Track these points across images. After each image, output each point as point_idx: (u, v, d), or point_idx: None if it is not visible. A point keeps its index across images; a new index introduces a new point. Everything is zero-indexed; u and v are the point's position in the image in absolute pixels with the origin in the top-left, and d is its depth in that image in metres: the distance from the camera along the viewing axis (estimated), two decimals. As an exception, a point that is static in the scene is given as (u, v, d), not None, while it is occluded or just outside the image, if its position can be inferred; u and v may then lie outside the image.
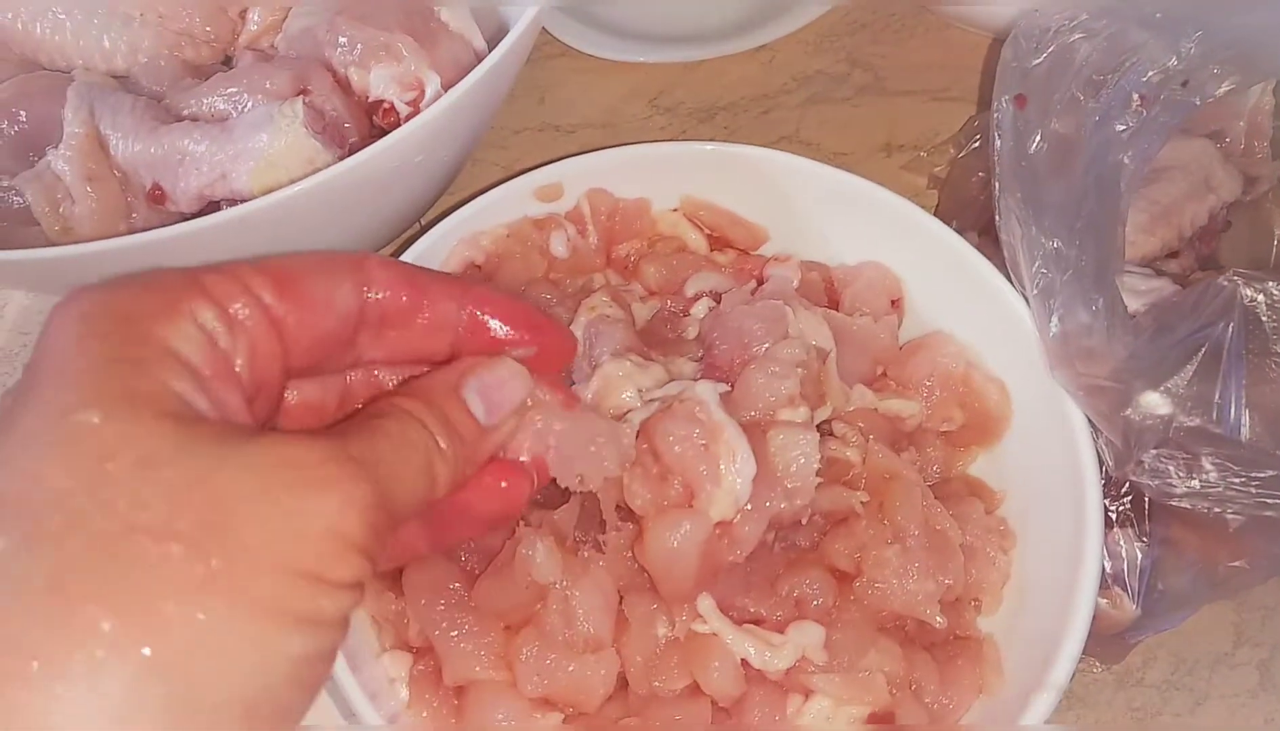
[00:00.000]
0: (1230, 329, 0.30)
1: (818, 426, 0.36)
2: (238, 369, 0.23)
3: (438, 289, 0.28)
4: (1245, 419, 0.30)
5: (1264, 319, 0.30)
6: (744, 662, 0.32)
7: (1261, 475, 0.31)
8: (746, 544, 0.32)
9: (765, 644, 0.31)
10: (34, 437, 0.20)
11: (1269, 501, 0.32)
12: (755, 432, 0.33)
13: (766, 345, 0.36)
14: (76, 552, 0.18)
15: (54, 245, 0.42)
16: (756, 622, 0.33)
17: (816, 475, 0.33)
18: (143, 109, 0.44)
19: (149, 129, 0.43)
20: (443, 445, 0.25)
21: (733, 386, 0.35)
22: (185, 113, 0.45)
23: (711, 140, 0.56)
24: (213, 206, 0.44)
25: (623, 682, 0.33)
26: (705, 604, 0.31)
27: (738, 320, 0.37)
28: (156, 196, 0.43)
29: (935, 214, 0.50)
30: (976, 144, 0.48)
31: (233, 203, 0.43)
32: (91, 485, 0.19)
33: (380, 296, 0.26)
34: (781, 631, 0.32)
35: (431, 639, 0.33)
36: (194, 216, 0.44)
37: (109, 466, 0.19)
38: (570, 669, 0.32)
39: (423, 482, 0.24)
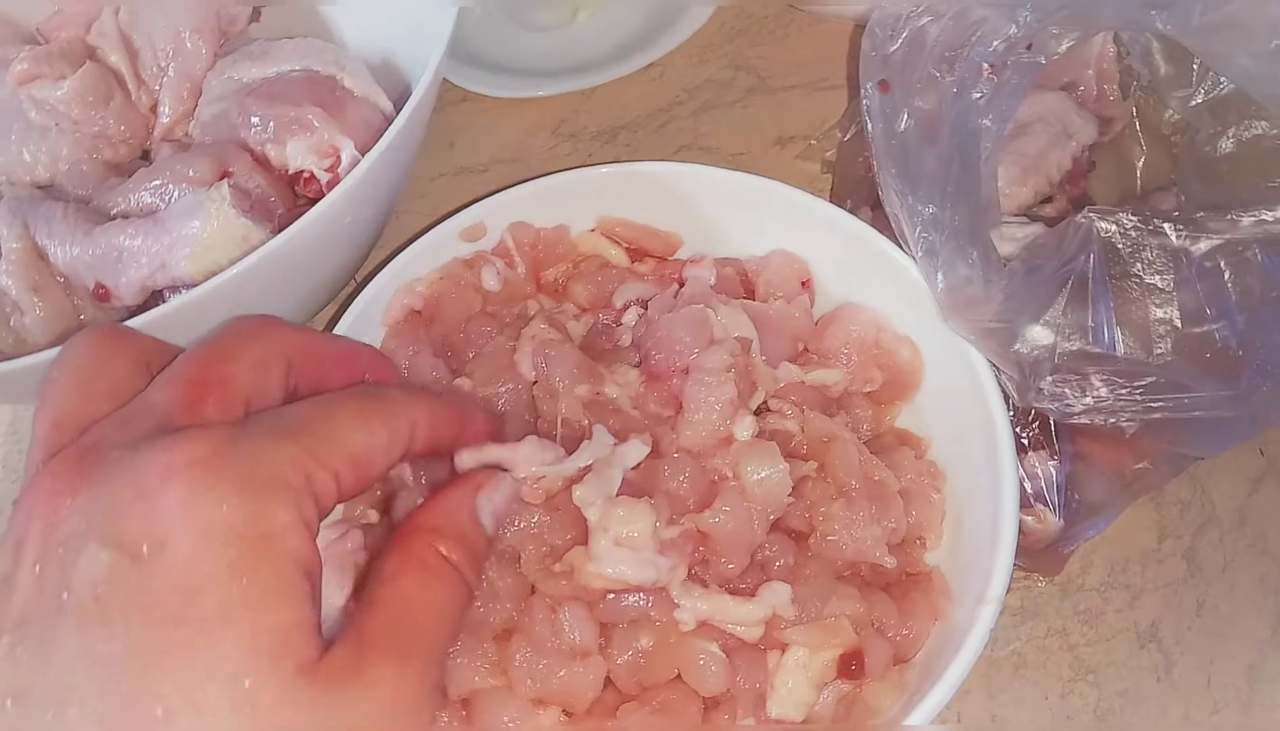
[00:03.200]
0: (1092, 259, 0.34)
1: (755, 412, 0.40)
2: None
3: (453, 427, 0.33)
4: (1118, 335, 0.34)
5: (1120, 246, 0.34)
6: (723, 637, 0.35)
7: (1142, 383, 0.36)
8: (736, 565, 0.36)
9: (739, 603, 0.34)
10: (207, 699, 0.22)
11: (1152, 405, 0.36)
12: (719, 451, 0.37)
13: (696, 351, 0.39)
14: None
15: (8, 357, 0.44)
16: (730, 592, 0.36)
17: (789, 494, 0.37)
18: (74, 214, 0.46)
19: (84, 232, 0.45)
20: (470, 581, 0.29)
21: (679, 402, 0.38)
22: (115, 211, 0.47)
23: (616, 160, 0.59)
24: (156, 295, 0.46)
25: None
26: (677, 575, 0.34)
27: (666, 329, 0.40)
28: (101, 295, 0.45)
29: (830, 196, 0.54)
30: (857, 127, 0.52)
31: (175, 289, 0.46)
32: None
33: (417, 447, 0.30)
34: (753, 594, 0.36)
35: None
36: (140, 307, 0.46)
37: None
38: (561, 674, 0.34)
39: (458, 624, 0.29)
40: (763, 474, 0.36)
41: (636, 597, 0.34)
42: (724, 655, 0.35)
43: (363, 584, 0.31)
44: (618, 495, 0.35)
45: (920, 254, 0.37)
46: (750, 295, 0.45)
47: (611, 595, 0.34)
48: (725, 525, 0.35)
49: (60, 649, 0.23)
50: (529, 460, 0.35)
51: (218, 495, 0.23)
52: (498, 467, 0.34)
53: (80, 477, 0.24)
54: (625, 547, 0.33)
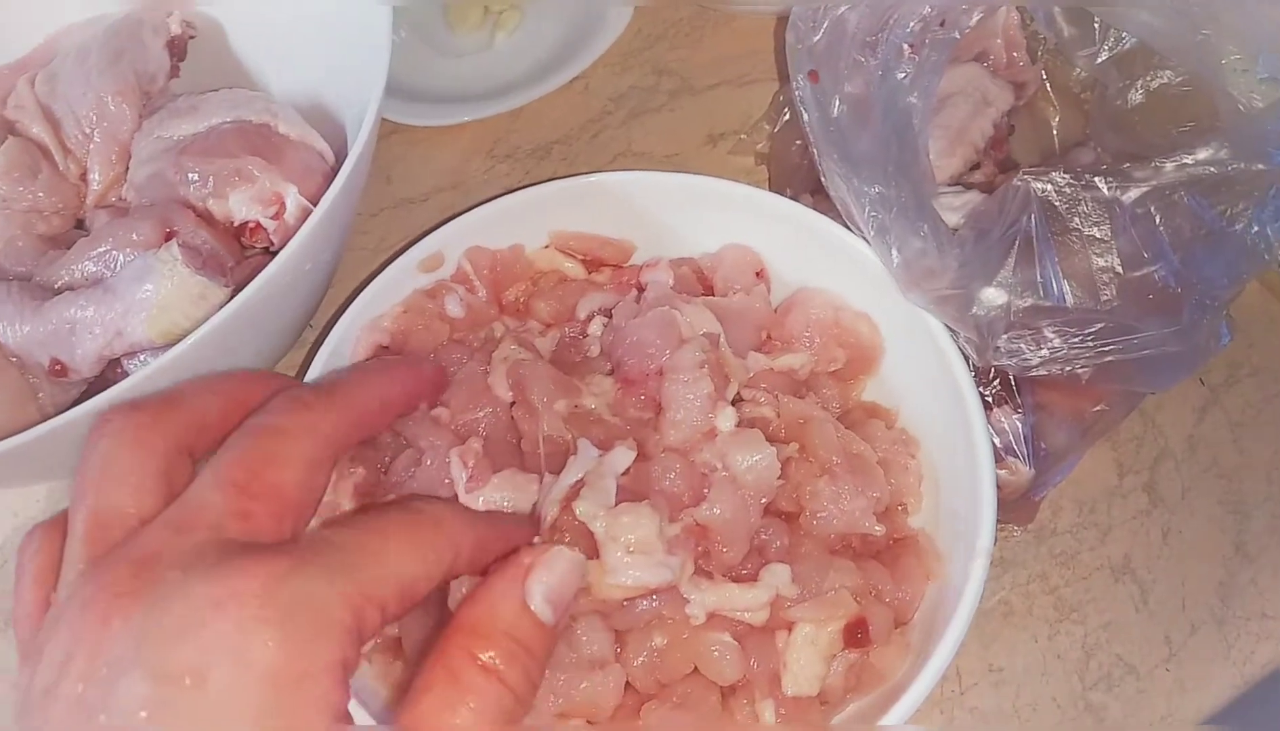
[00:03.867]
0: (1033, 219, 0.36)
1: (730, 402, 0.41)
2: None
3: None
4: (1066, 288, 0.36)
5: (1056, 204, 0.36)
6: (732, 625, 0.36)
7: (1093, 329, 0.38)
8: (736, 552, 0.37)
9: (744, 590, 0.35)
10: None
11: (1104, 349, 0.38)
12: (704, 445, 0.38)
13: (668, 353, 0.40)
14: None
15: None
16: (733, 580, 0.37)
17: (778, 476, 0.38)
18: (18, 292, 0.45)
19: (31, 310, 0.44)
20: (516, 685, 0.27)
21: (657, 404, 0.39)
22: (60, 284, 0.46)
23: (555, 175, 0.60)
24: (114, 363, 0.46)
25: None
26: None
27: (635, 334, 0.41)
28: (58, 370, 0.44)
29: (769, 186, 0.56)
30: (786, 117, 0.54)
31: (132, 355, 0.45)
32: None
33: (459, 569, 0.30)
34: (754, 579, 0.37)
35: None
36: (98, 377, 0.46)
37: None
38: (583, 685, 0.34)
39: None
40: (752, 460, 0.37)
41: (649, 600, 0.35)
42: (736, 643, 0.36)
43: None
44: (615, 503, 0.35)
45: (872, 233, 0.39)
46: (709, 291, 0.46)
47: (626, 602, 0.35)
48: (723, 515, 0.36)
49: None
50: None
51: (264, 634, 0.24)
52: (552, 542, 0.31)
53: (133, 597, 0.25)
54: (637, 553, 0.34)
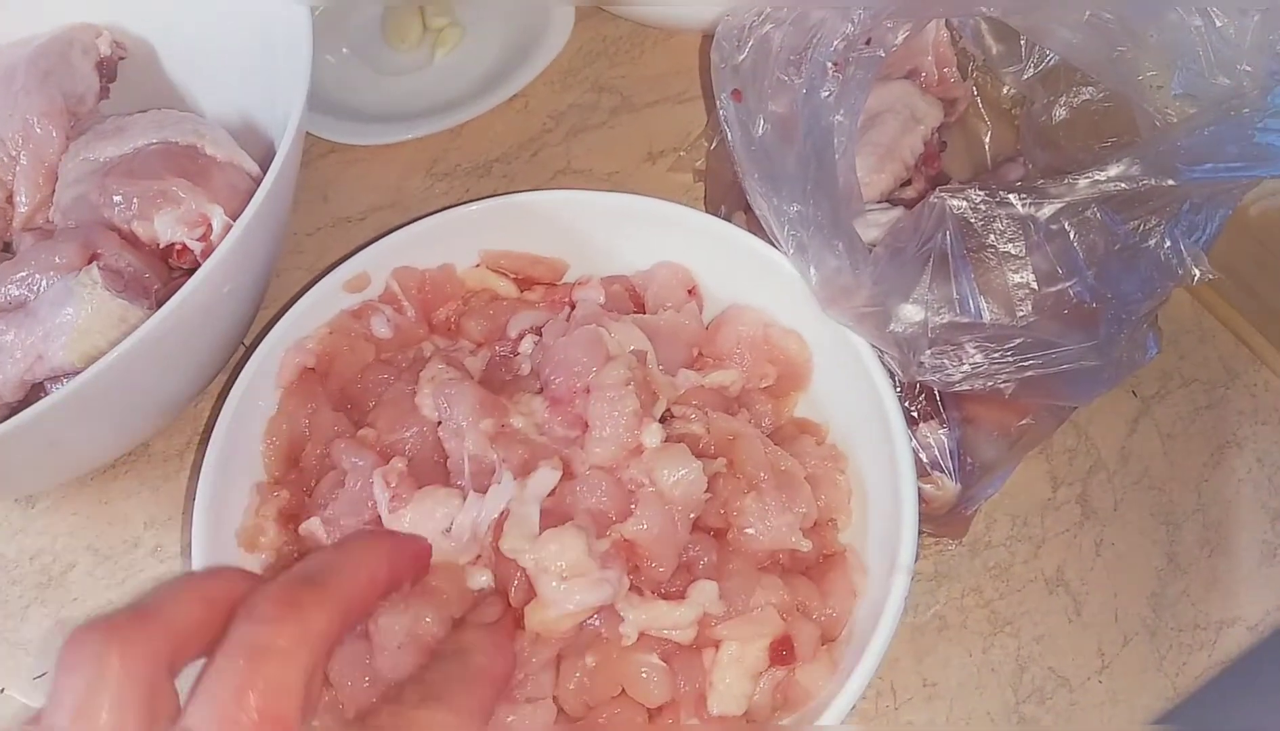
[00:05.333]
0: (948, 236, 0.36)
1: (660, 419, 0.41)
2: None
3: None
4: (983, 304, 0.36)
5: (972, 220, 0.36)
6: (660, 645, 0.36)
7: (1012, 344, 0.38)
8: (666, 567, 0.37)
9: (672, 608, 0.35)
10: None
11: (1024, 364, 0.38)
12: (631, 462, 0.38)
13: (594, 370, 0.40)
14: None
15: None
16: (663, 597, 0.37)
17: (705, 491, 0.38)
18: (-61, 318, 0.44)
19: (-48, 335, 0.44)
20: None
21: (584, 422, 0.39)
22: (-20, 309, 0.46)
23: (494, 192, 0.60)
24: (37, 388, 0.45)
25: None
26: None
27: (562, 352, 0.41)
28: (-22, 397, 0.44)
29: (705, 203, 0.56)
30: (720, 136, 0.54)
31: (56, 379, 0.45)
32: None
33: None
34: (682, 596, 0.37)
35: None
36: (21, 402, 0.45)
37: None
38: (509, 720, 0.34)
39: None
40: (678, 475, 0.37)
41: (594, 619, 0.35)
42: (664, 664, 0.35)
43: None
44: (541, 527, 0.35)
45: (792, 251, 0.39)
46: (640, 309, 0.46)
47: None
48: (650, 530, 0.36)
49: None
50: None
51: None
52: None
53: None
54: (572, 577, 0.33)
